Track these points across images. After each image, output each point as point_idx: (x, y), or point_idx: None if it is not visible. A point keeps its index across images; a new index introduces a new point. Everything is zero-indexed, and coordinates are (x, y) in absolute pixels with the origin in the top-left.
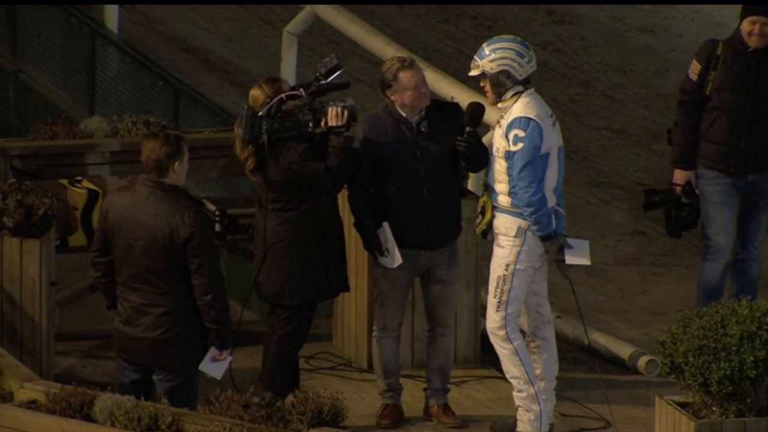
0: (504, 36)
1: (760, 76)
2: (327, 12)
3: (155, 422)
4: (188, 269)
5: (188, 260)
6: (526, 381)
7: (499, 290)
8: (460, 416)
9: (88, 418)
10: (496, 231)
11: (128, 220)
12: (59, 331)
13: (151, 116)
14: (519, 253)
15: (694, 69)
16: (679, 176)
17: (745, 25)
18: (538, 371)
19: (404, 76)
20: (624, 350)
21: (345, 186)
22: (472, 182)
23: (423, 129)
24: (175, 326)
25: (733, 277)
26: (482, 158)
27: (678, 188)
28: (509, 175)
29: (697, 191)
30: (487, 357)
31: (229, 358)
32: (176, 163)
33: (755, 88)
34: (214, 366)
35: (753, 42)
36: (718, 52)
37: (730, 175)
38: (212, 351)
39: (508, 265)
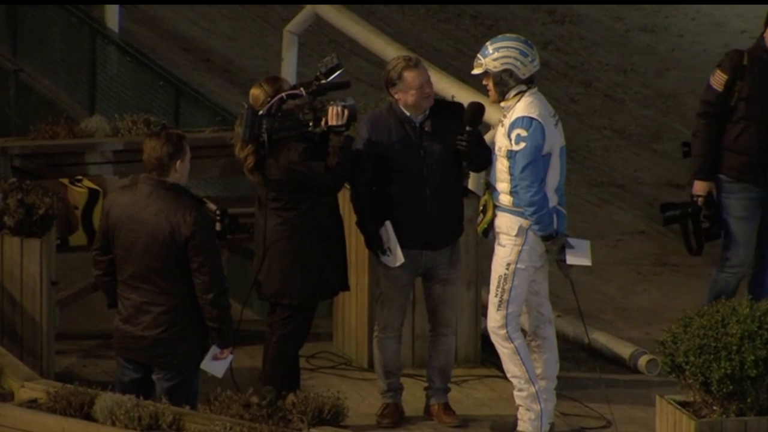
0: (508, 35)
1: None
2: (327, 11)
3: (156, 421)
4: (189, 268)
5: (189, 259)
6: (526, 380)
7: (500, 289)
8: (460, 415)
9: (89, 417)
10: (497, 230)
11: (130, 218)
12: (60, 331)
13: (152, 115)
14: (520, 252)
15: (720, 79)
16: (702, 187)
17: None
18: (538, 370)
19: (409, 76)
20: (624, 349)
21: (347, 185)
22: (473, 181)
23: (426, 128)
24: (176, 325)
25: (753, 287)
26: (484, 157)
27: (700, 199)
28: (511, 174)
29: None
30: (488, 356)
31: (230, 357)
32: (178, 162)
33: None
34: (215, 365)
35: None
36: (745, 62)
37: (759, 186)
38: (213, 349)
39: (509, 265)
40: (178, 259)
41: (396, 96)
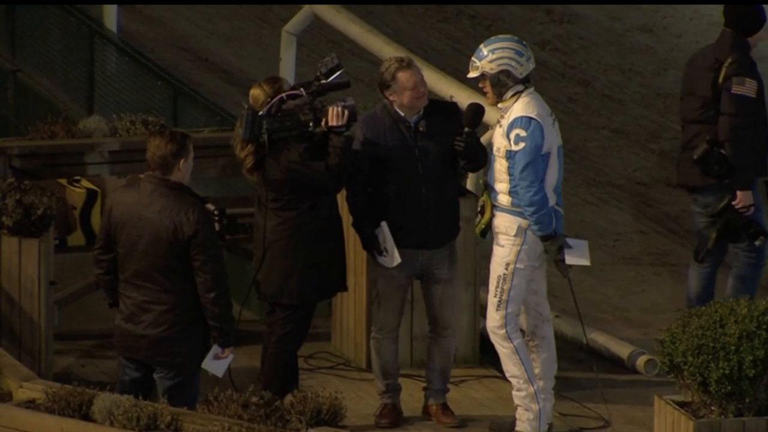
0: (501, 36)
1: None
2: (326, 11)
3: (154, 422)
4: (192, 266)
5: (192, 257)
6: (525, 380)
7: (499, 289)
8: (458, 416)
9: (87, 417)
10: (495, 230)
11: (132, 216)
12: (58, 331)
13: (150, 116)
14: (519, 252)
15: (752, 86)
16: (750, 196)
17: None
18: (537, 370)
19: (402, 76)
20: (623, 349)
21: (344, 186)
22: (472, 182)
23: (421, 128)
24: (177, 324)
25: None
26: (481, 158)
27: (752, 208)
28: (510, 175)
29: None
30: (486, 357)
31: (231, 356)
32: (181, 161)
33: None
34: (215, 364)
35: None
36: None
37: (759, 177)
38: (214, 349)
39: (508, 265)
40: (180, 258)
41: (390, 97)
